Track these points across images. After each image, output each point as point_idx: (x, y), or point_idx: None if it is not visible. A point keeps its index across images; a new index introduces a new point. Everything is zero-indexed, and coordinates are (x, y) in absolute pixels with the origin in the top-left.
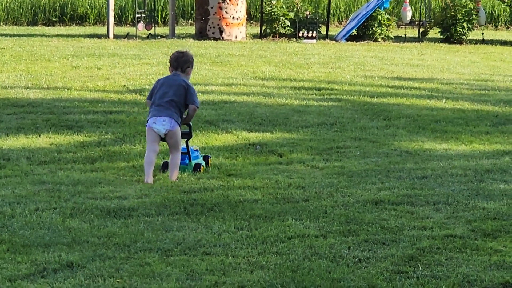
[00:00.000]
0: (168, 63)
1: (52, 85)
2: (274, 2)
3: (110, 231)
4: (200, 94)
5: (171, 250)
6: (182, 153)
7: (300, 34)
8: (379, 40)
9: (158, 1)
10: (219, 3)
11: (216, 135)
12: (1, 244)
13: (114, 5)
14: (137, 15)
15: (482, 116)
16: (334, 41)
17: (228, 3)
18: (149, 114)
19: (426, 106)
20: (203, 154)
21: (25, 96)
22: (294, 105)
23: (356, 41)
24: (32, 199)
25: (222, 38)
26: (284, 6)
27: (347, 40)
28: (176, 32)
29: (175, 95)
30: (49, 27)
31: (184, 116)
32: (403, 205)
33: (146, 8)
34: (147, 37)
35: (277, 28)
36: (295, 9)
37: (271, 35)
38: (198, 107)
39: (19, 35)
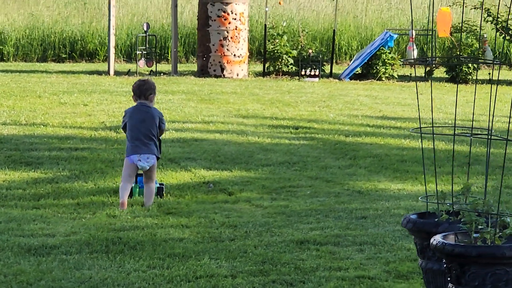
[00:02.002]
0: (131, 92)
1: (30, 122)
2: (277, 40)
3: (20, 269)
4: (173, 132)
5: None
6: (140, 175)
7: (303, 73)
8: (383, 79)
9: (164, 39)
10: (220, 40)
11: (174, 172)
12: None
13: (125, 41)
14: (138, 52)
15: (451, 156)
16: (337, 80)
17: (229, 41)
18: (128, 149)
19: (398, 146)
20: (160, 184)
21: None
22: (265, 143)
23: (360, 80)
24: None
25: (223, 75)
26: (287, 44)
27: (351, 78)
28: (178, 69)
29: (152, 130)
30: (58, 64)
31: None
32: (328, 245)
33: (147, 45)
34: (149, 74)
35: (280, 66)
36: (299, 47)
37: (274, 73)
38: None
39: (20, 71)
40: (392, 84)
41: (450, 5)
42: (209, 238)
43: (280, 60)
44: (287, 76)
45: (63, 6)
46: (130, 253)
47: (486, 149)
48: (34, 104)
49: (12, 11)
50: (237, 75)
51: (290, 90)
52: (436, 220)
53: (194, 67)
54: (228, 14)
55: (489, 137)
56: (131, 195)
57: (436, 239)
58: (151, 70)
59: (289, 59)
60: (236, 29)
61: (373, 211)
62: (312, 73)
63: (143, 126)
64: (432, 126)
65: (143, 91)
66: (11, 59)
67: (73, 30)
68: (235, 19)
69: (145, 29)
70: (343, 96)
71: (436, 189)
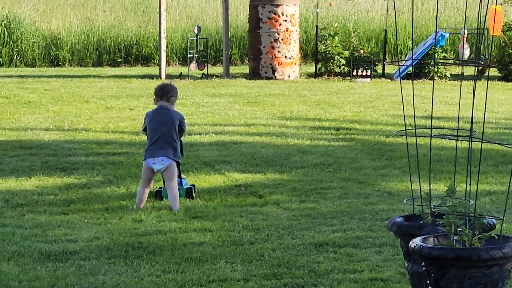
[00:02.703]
0: (153, 95)
1: (73, 127)
2: (329, 41)
3: (36, 275)
4: (213, 135)
5: None
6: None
7: (355, 73)
8: (436, 78)
9: (219, 41)
10: (271, 42)
11: (207, 176)
12: None
13: (180, 45)
14: (189, 55)
15: (489, 155)
16: (389, 80)
17: (280, 42)
18: (146, 152)
19: (438, 145)
20: (190, 185)
21: (39, 138)
22: (303, 145)
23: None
24: None
25: (275, 77)
26: (339, 45)
27: (403, 78)
28: (232, 71)
29: (172, 133)
30: (113, 68)
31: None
32: (346, 247)
33: (198, 48)
34: (201, 77)
35: (332, 67)
36: (351, 48)
37: (326, 74)
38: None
39: (72, 76)
40: (443, 84)
41: (501, 3)
42: (229, 241)
43: (332, 61)
44: (338, 77)
45: (119, 10)
46: (148, 258)
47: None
48: (80, 109)
49: (69, 16)
50: (289, 77)
51: (338, 91)
52: (420, 222)
53: (245, 69)
54: (278, 16)
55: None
56: (161, 197)
57: (415, 242)
58: (203, 73)
59: (341, 60)
60: (287, 30)
61: (399, 212)
62: (364, 73)
63: (162, 128)
64: (415, 128)
65: (165, 92)
66: (67, 64)
67: (128, 34)
68: (285, 20)
69: (196, 32)
70: (391, 96)
71: (420, 191)
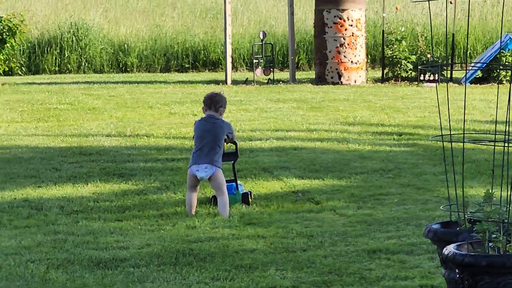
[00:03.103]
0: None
1: (134, 133)
2: (395, 46)
3: (83, 283)
4: (274, 140)
5: None
6: (228, 181)
7: (422, 78)
8: (504, 82)
9: (282, 46)
10: (337, 47)
11: (265, 182)
12: None
13: (248, 50)
14: (255, 61)
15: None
16: (457, 85)
17: (346, 47)
18: (191, 159)
19: (501, 150)
20: (247, 191)
21: (99, 144)
22: (364, 151)
23: (480, 84)
24: (32, 250)
25: (341, 82)
26: (406, 50)
27: (471, 82)
28: (299, 77)
29: (216, 142)
30: (180, 74)
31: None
32: (399, 254)
33: (264, 53)
34: (267, 83)
35: (399, 72)
36: (418, 52)
37: (393, 78)
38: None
39: (138, 82)
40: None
41: None
42: (282, 248)
43: (399, 65)
44: (406, 81)
45: (187, 16)
46: (198, 265)
47: None
48: (143, 115)
49: (137, 22)
50: (355, 82)
51: (404, 96)
52: (457, 229)
53: (311, 74)
54: (344, 20)
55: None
56: (216, 203)
57: (448, 249)
58: (269, 79)
59: (408, 64)
60: (352, 35)
61: (456, 218)
62: (431, 78)
63: (207, 137)
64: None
65: (214, 102)
66: (135, 70)
67: (196, 40)
68: (351, 25)
69: (261, 37)
70: (458, 101)
71: (457, 197)
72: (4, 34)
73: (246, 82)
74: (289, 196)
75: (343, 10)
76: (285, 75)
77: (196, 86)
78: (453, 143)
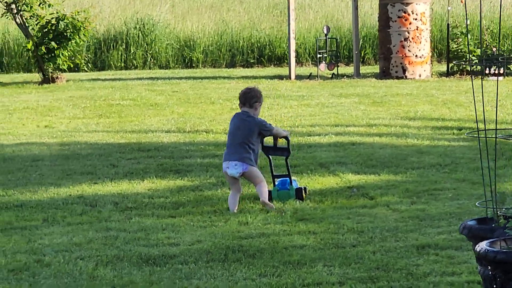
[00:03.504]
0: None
1: (194, 129)
2: (460, 39)
3: (130, 280)
4: (333, 136)
5: None
6: (282, 176)
7: (487, 71)
8: None
9: (348, 41)
10: (401, 41)
11: (320, 177)
12: None
13: (313, 45)
14: (318, 55)
15: None
16: None
17: (410, 41)
18: (223, 156)
19: None
20: (301, 186)
21: (158, 140)
22: (422, 146)
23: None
24: (82, 247)
25: (405, 77)
26: (471, 43)
27: None
28: (364, 71)
29: (247, 138)
30: (245, 69)
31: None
32: (448, 250)
33: (328, 48)
34: (331, 77)
35: (464, 66)
36: (483, 46)
37: (458, 72)
38: (272, 131)
39: (202, 78)
40: None
41: None
42: (331, 244)
43: (464, 59)
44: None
45: (253, 11)
46: (246, 262)
47: None
48: (205, 111)
49: (204, 17)
50: (419, 76)
51: (468, 90)
52: (492, 226)
53: (376, 68)
54: (408, 14)
55: None
56: (271, 198)
57: (481, 245)
58: (333, 73)
59: (473, 58)
60: (417, 29)
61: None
62: (497, 71)
63: (238, 133)
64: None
65: (248, 98)
66: (200, 65)
67: (261, 35)
68: (416, 19)
69: (325, 32)
70: None
71: (494, 194)
72: (68, 31)
73: (310, 77)
74: (344, 191)
75: (407, 4)
76: (350, 69)
77: (260, 81)
78: (492, 139)
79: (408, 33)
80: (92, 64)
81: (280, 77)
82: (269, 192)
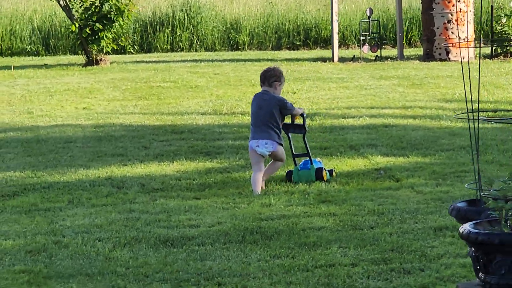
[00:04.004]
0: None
1: (230, 111)
2: (504, 21)
3: (145, 261)
4: (367, 118)
5: (185, 281)
6: (301, 155)
7: None
8: None
9: (394, 23)
10: (444, 23)
11: (349, 159)
12: (28, 274)
13: (359, 27)
14: (361, 38)
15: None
16: None
17: (454, 23)
18: (250, 134)
19: None
20: (329, 169)
21: (193, 122)
22: (455, 128)
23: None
24: (103, 229)
25: (449, 59)
26: None
27: None
28: (408, 53)
29: (270, 117)
30: (291, 51)
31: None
32: None
33: (371, 30)
34: (374, 60)
35: (508, 48)
36: None
37: (502, 54)
38: (292, 110)
39: (245, 60)
40: None
41: None
42: (350, 226)
43: (507, 41)
44: None
45: None
46: (263, 243)
47: None
48: (244, 93)
49: (250, 0)
50: (463, 58)
51: (509, 72)
52: (481, 207)
53: (420, 51)
54: None
55: None
56: (290, 179)
57: (464, 227)
58: (376, 55)
59: None
60: (460, 11)
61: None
62: None
63: (260, 113)
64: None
65: (267, 77)
66: (246, 48)
67: (307, 18)
68: (459, 1)
69: (368, 14)
70: None
71: (479, 176)
72: (112, 13)
73: (353, 59)
74: (370, 173)
75: None
76: (394, 52)
77: (302, 63)
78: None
79: (451, 15)
80: (139, 46)
81: (323, 60)
82: (290, 173)
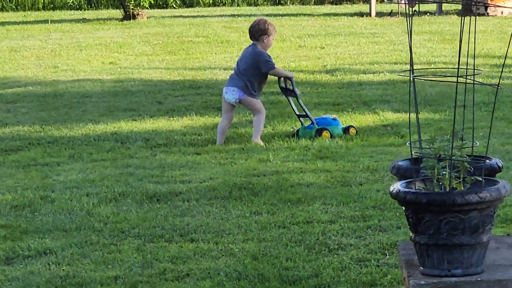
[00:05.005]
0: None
1: None
2: None
3: (125, 217)
4: (387, 74)
5: (159, 236)
6: (302, 115)
7: None
8: None
9: None
10: None
11: (360, 115)
12: (6, 229)
13: None
14: None
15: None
16: None
17: None
18: None
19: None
20: (347, 125)
21: (213, 77)
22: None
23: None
24: (94, 184)
25: (487, 14)
26: None
27: None
28: (446, 8)
29: (246, 66)
30: (334, 6)
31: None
32: None
33: None
34: (412, 14)
35: None
36: None
37: None
38: (273, 69)
39: (286, 15)
40: None
41: None
42: (339, 182)
43: None
44: None
45: None
46: (247, 199)
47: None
48: (273, 48)
49: None
50: (502, 13)
51: None
52: (419, 166)
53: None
54: None
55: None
56: (297, 135)
57: (395, 186)
58: (414, 10)
59: None
60: None
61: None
62: None
63: (240, 63)
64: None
65: (253, 32)
66: (288, 2)
67: None
68: None
69: None
70: None
71: (419, 134)
72: None
73: (391, 14)
74: (377, 129)
75: None
76: (434, 6)
77: (338, 18)
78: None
79: None
80: (181, 1)
81: (361, 15)
82: (297, 131)
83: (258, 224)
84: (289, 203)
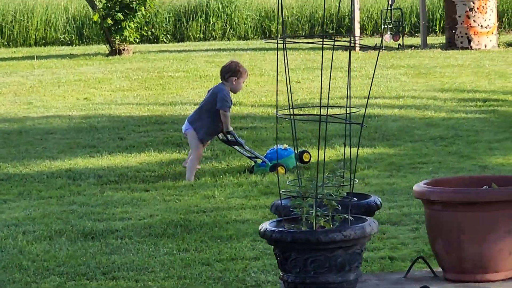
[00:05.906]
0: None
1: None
2: None
3: (54, 255)
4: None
5: (82, 275)
6: (252, 157)
7: None
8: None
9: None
10: (466, 11)
11: (315, 151)
12: None
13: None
14: (383, 26)
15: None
16: None
17: (476, 12)
18: None
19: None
20: (300, 150)
21: (182, 112)
22: (437, 118)
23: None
24: (34, 222)
25: (471, 47)
26: None
27: None
28: (432, 42)
29: (204, 101)
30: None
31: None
32: (385, 225)
33: (392, 18)
34: (397, 48)
35: None
36: None
37: None
38: (225, 111)
39: (269, 49)
40: None
41: None
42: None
43: None
44: None
45: None
46: (180, 236)
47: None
48: (249, 83)
49: None
50: (485, 47)
51: None
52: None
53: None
54: None
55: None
56: (251, 171)
57: (263, 225)
58: (399, 44)
59: None
60: None
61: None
62: None
63: (202, 102)
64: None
65: (222, 72)
66: (279, 36)
67: (342, 5)
68: None
69: (390, 3)
70: None
71: (298, 173)
72: (134, 3)
73: (375, 48)
74: (330, 164)
75: None
76: (419, 40)
77: (319, 52)
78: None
79: (474, 3)
80: (172, 35)
81: (346, 48)
82: (253, 167)
83: (182, 262)
84: (219, 240)
